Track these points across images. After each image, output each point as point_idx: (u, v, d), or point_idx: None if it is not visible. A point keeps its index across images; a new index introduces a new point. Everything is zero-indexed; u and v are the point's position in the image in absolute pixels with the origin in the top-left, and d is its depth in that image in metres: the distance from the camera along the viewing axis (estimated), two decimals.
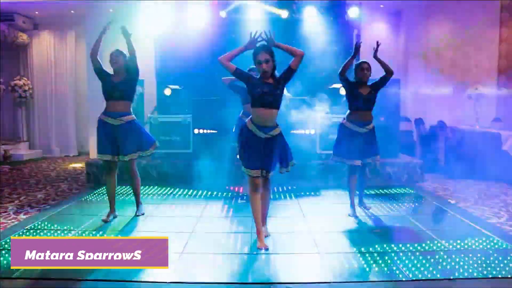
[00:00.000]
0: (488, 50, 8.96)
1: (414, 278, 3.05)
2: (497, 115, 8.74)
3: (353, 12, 8.14)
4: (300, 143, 6.55)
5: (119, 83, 4.34)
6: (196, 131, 6.81)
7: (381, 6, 8.88)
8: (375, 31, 9.49)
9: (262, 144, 3.64)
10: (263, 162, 3.66)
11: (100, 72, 4.37)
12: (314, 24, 8.11)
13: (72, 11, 9.12)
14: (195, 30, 7.83)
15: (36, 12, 9.54)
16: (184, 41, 7.87)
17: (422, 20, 9.19)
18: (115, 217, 4.57)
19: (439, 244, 3.73)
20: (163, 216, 4.71)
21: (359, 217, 4.65)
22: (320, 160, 6.55)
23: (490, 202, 5.42)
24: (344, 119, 4.71)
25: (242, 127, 3.76)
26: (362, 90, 4.61)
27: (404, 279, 3.04)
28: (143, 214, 4.69)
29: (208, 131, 6.76)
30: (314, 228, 4.22)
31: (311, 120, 6.67)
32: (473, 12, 8.88)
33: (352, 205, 4.79)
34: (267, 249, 3.61)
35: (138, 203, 4.74)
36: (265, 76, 3.61)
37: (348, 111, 4.68)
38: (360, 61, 4.67)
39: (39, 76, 10.11)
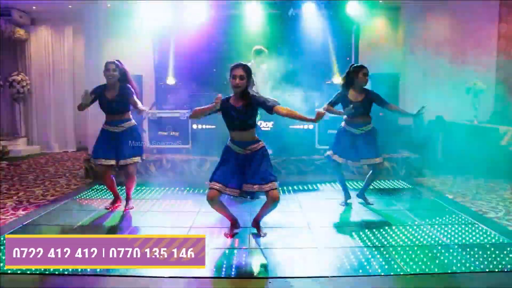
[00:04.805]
0: (486, 46, 8.94)
1: (412, 272, 3.06)
2: (495, 109, 8.74)
3: (352, 8, 8.14)
4: (298, 138, 6.57)
5: (113, 101, 4.51)
6: (195, 126, 6.80)
7: (380, 1, 8.86)
8: (374, 27, 9.46)
9: (240, 160, 3.64)
10: (239, 179, 3.62)
11: (93, 99, 4.49)
12: (312, 20, 8.11)
13: (70, 6, 9.07)
14: (193, 26, 7.80)
15: (34, 7, 9.48)
16: (183, 37, 7.86)
17: (421, 16, 9.16)
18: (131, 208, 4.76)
19: (437, 239, 3.74)
20: (162, 211, 4.72)
21: (356, 211, 4.67)
22: (319, 155, 6.56)
23: (488, 197, 5.43)
24: (343, 121, 4.81)
25: (224, 147, 3.75)
26: (354, 96, 4.60)
27: (402, 273, 3.05)
28: (132, 208, 4.75)
29: (207, 126, 6.75)
30: (312, 223, 4.23)
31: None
32: (472, 7, 8.85)
33: (345, 195, 4.96)
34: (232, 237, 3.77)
35: (127, 198, 4.82)
36: (236, 94, 3.57)
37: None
38: (361, 65, 4.62)
39: (37, 71, 10.06)
